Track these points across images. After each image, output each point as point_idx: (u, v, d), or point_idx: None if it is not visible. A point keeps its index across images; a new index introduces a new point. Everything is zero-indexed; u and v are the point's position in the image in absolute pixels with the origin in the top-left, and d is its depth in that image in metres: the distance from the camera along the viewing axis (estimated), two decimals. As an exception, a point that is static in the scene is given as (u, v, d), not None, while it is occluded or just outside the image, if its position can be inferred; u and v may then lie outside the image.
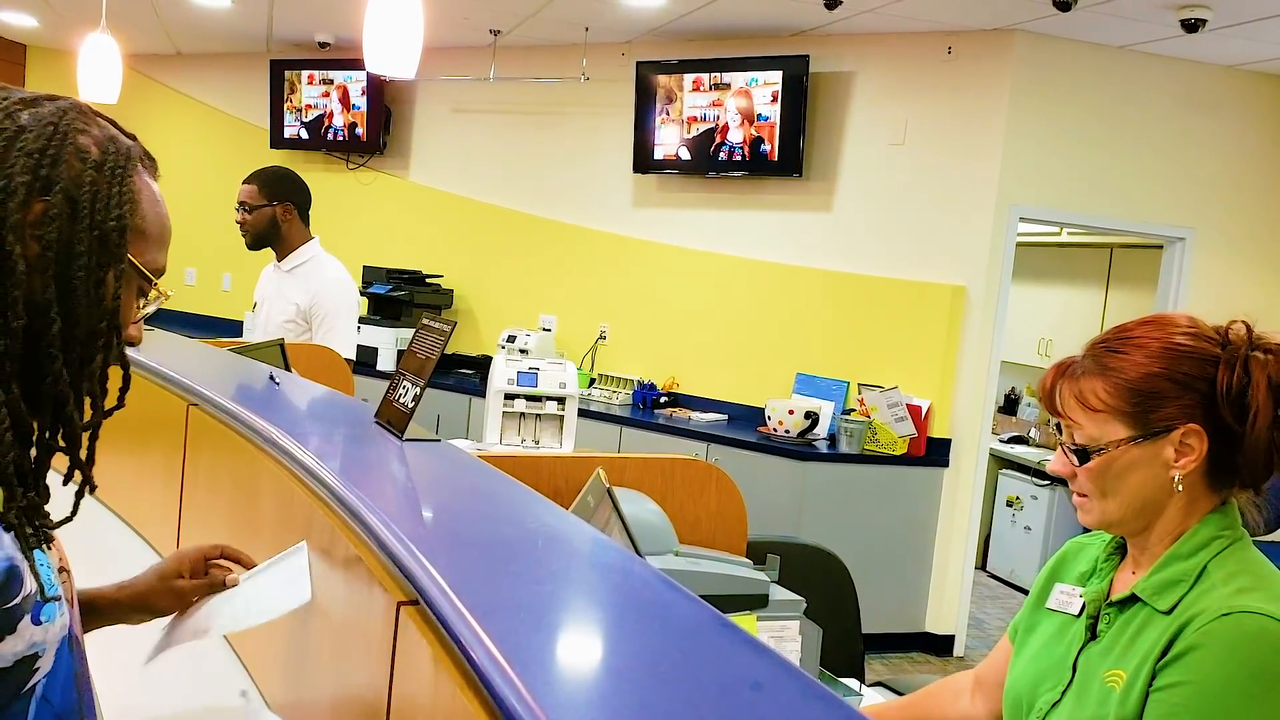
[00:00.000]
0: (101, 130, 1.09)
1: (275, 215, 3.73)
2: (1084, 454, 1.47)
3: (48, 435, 1.06)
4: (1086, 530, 1.62)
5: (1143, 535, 1.49)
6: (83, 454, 1.09)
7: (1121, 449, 1.44)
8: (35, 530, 1.03)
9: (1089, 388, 1.47)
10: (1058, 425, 1.53)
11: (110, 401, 1.12)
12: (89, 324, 1.04)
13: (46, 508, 1.11)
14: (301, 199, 3.79)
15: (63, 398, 1.03)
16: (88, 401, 1.09)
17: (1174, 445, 1.43)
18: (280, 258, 3.80)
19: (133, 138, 1.14)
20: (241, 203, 3.75)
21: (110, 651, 1.24)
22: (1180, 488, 1.44)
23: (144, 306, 1.13)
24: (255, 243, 3.78)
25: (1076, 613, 1.56)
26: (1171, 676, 1.36)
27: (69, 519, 1.14)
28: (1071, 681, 1.50)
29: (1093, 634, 1.51)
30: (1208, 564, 1.43)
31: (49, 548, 1.08)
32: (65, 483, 1.11)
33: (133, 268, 1.08)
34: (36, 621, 1.00)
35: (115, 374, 1.12)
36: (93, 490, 1.13)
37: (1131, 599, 1.47)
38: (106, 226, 1.04)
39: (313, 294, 3.74)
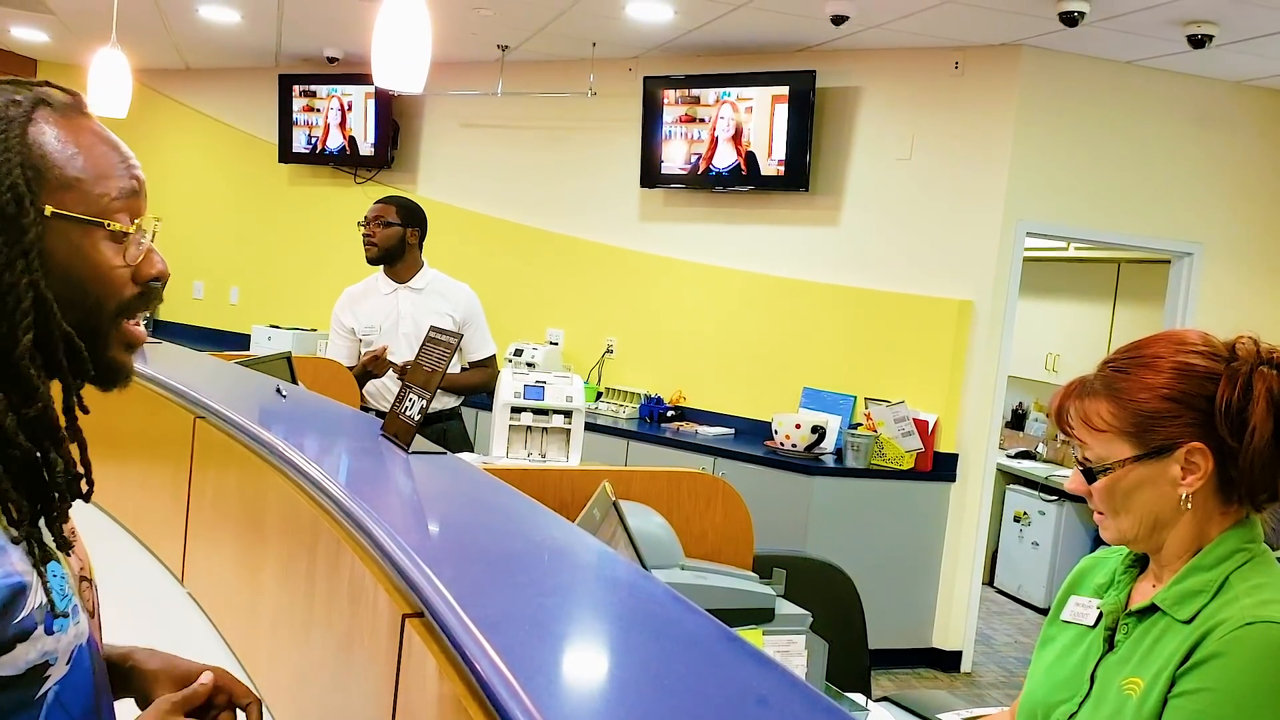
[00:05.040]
0: None
1: (404, 236, 4.11)
2: (1091, 473, 1.49)
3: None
4: (1096, 547, 1.62)
5: (1159, 552, 1.50)
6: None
7: (1127, 468, 1.45)
8: (43, 545, 1.01)
9: (1094, 409, 1.48)
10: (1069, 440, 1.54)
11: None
12: (3, 306, 0.97)
13: (70, 523, 1.10)
14: (425, 230, 4.21)
15: (31, 387, 0.98)
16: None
17: (1180, 463, 1.44)
18: (402, 279, 4.15)
19: (44, 83, 1.05)
20: (376, 218, 4.11)
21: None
22: (1189, 505, 1.44)
23: (129, 244, 1.04)
24: (379, 257, 4.13)
25: (1092, 624, 1.56)
26: (1191, 683, 1.36)
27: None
28: (1089, 693, 1.50)
29: (1110, 645, 1.51)
30: (1230, 576, 1.42)
31: (68, 555, 1.07)
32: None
33: (77, 223, 1.01)
34: (49, 631, 0.99)
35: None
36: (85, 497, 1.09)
37: (1150, 609, 1.47)
38: (2, 200, 0.97)
39: (464, 305, 4.18)
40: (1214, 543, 1.45)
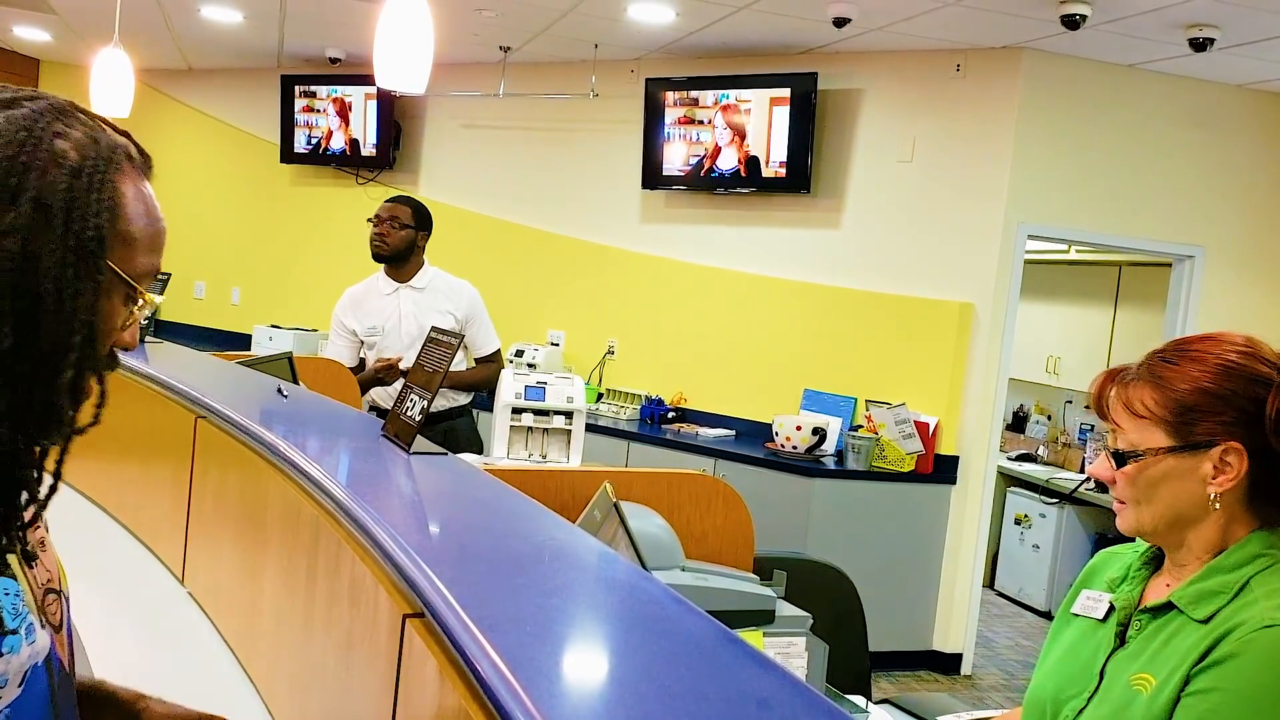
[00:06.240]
0: (84, 131, 1.01)
1: (415, 240, 4.16)
2: (1121, 457, 1.48)
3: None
4: (1097, 550, 1.61)
5: (1178, 550, 1.49)
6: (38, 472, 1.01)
7: (1158, 456, 1.45)
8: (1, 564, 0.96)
9: (1137, 395, 1.48)
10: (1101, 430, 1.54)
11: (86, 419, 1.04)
12: (54, 336, 0.97)
13: (40, 532, 1.06)
14: (430, 232, 4.25)
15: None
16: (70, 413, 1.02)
17: (1213, 461, 1.43)
18: (404, 278, 4.18)
19: (126, 135, 1.06)
20: (391, 218, 4.13)
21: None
22: (1218, 506, 1.43)
23: (133, 313, 1.04)
24: (389, 257, 4.16)
25: (1101, 617, 1.55)
26: (1204, 682, 1.35)
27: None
28: (1098, 688, 1.49)
29: (1122, 641, 1.51)
30: (1251, 579, 1.42)
31: (32, 567, 1.02)
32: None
33: (116, 276, 1.01)
34: None
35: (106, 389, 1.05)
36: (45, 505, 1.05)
37: (1166, 606, 1.47)
38: (84, 237, 0.97)
39: (466, 302, 4.21)
40: (1237, 545, 1.45)
